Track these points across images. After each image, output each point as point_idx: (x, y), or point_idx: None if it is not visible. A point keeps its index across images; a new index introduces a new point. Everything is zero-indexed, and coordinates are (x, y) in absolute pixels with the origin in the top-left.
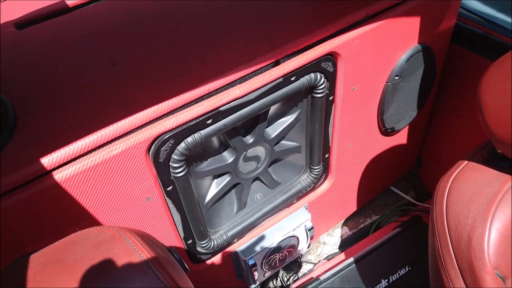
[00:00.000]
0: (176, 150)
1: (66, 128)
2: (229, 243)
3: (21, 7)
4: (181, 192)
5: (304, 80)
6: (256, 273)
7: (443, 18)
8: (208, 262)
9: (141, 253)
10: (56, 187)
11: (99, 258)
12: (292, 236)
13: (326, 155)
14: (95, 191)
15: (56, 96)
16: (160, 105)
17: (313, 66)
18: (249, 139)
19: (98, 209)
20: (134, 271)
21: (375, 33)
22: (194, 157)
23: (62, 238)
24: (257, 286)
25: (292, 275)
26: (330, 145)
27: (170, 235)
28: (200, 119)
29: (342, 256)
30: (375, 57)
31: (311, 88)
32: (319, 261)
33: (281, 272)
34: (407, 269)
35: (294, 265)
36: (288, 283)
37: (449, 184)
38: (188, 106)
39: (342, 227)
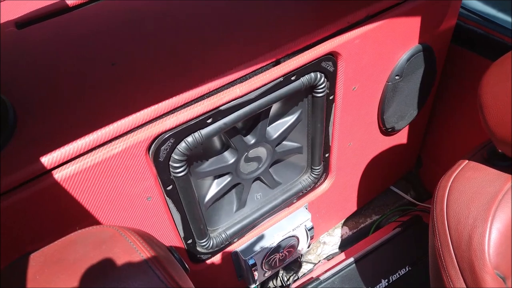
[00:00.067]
0: (176, 150)
1: (66, 127)
2: (229, 242)
3: (21, 7)
4: (181, 191)
5: (304, 79)
6: (256, 273)
7: (443, 18)
8: (208, 261)
9: (141, 253)
10: (56, 187)
11: (100, 257)
12: (292, 236)
13: (326, 155)
14: (95, 190)
15: (56, 96)
16: (160, 104)
17: (313, 66)
18: (251, 139)
19: (98, 208)
20: (134, 270)
21: (375, 33)
22: (195, 157)
23: (62, 237)
24: (257, 286)
25: (292, 275)
26: (330, 144)
27: (170, 234)
28: (200, 118)
29: (342, 256)
30: (375, 56)
31: (311, 87)
32: (319, 261)
33: (281, 272)
34: (407, 269)
35: (294, 265)
36: (288, 283)
37: (449, 184)
38: (188, 106)
39: (342, 227)
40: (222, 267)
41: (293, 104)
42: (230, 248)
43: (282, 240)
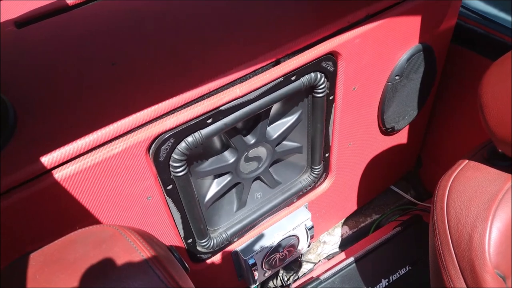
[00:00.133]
0: (176, 150)
1: (66, 127)
2: (229, 242)
3: (20, 6)
4: (181, 191)
5: (304, 79)
6: (256, 273)
7: (443, 18)
8: (208, 261)
9: (142, 252)
10: (56, 186)
11: (100, 257)
12: (292, 236)
13: (326, 155)
14: (95, 190)
15: (56, 95)
16: (160, 104)
17: (313, 66)
18: (251, 139)
19: (98, 208)
20: (134, 270)
21: (375, 32)
22: (195, 156)
23: (62, 237)
24: (257, 285)
25: (292, 275)
26: (330, 144)
27: (170, 234)
28: (201, 118)
29: (342, 255)
30: (375, 56)
31: (312, 87)
32: (319, 261)
33: (281, 271)
34: (407, 268)
35: (294, 264)
36: (288, 282)
37: (449, 183)
38: (188, 106)
39: (342, 226)
40: (222, 267)
41: (293, 104)
42: (230, 248)
43: (282, 240)
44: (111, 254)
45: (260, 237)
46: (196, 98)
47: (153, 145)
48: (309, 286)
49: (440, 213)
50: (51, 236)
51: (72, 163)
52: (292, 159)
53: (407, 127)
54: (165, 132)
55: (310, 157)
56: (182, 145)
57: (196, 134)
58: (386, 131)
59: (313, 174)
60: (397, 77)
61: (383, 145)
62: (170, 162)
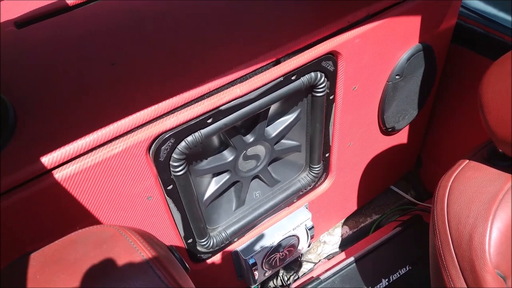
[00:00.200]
0: (176, 149)
1: (66, 127)
2: (229, 241)
3: (21, 6)
4: (181, 191)
5: (304, 79)
6: (256, 273)
7: (444, 17)
8: (209, 261)
9: (142, 252)
10: (57, 186)
11: (100, 257)
12: (293, 235)
13: (327, 155)
14: (96, 190)
15: (56, 95)
16: (160, 104)
17: (313, 65)
18: (249, 138)
19: (98, 208)
20: (135, 270)
21: (375, 32)
22: (194, 155)
23: (62, 237)
24: (257, 285)
25: (292, 275)
26: (330, 144)
27: (171, 234)
28: (201, 118)
29: (342, 255)
30: (375, 56)
31: (311, 87)
32: (320, 261)
33: (281, 271)
34: (407, 268)
35: (295, 264)
36: (289, 282)
37: (450, 184)
38: (188, 106)
39: (342, 226)
40: (222, 267)
41: (292, 103)
42: (230, 248)
43: (282, 240)
44: (112, 254)
45: (260, 237)
46: (196, 98)
47: (153, 145)
48: (309, 286)
49: (440, 213)
50: (51, 236)
51: (72, 163)
52: (291, 157)
53: (407, 127)
54: (165, 132)
55: (309, 156)
56: (182, 144)
57: (196, 134)
58: (386, 131)
59: (312, 173)
60: (397, 77)
61: (383, 145)
62: (170, 162)
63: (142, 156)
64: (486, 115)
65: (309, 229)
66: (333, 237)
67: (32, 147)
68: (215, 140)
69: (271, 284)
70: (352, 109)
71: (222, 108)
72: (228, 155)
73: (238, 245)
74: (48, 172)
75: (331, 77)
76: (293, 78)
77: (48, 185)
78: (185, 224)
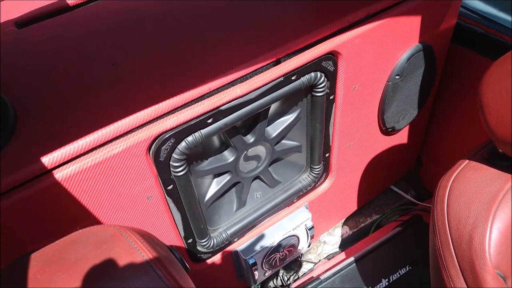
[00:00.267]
0: (176, 149)
1: (66, 127)
2: (229, 242)
3: (21, 6)
4: (181, 191)
5: (304, 79)
6: (256, 273)
7: (444, 17)
8: (209, 261)
9: (142, 252)
10: (57, 186)
11: (100, 257)
12: (293, 235)
13: (327, 155)
14: (96, 190)
15: (56, 95)
16: (160, 104)
17: (313, 65)
18: (250, 138)
19: (98, 208)
20: (135, 270)
21: (375, 32)
22: (194, 156)
23: (62, 237)
24: (257, 285)
25: (292, 275)
26: (330, 144)
27: (171, 234)
28: (201, 118)
29: (342, 255)
30: (375, 56)
31: (311, 87)
32: (320, 261)
33: (281, 271)
34: (407, 268)
35: (295, 264)
36: (289, 282)
37: (450, 184)
38: (188, 106)
39: (342, 226)
40: (222, 267)
41: (292, 103)
42: (230, 248)
43: (282, 240)
44: (112, 254)
45: (261, 237)
46: (197, 98)
47: (153, 145)
48: (309, 286)
49: (440, 213)
50: (51, 236)
51: (72, 163)
52: (291, 158)
53: (407, 127)
54: (166, 132)
55: (310, 156)
56: (183, 144)
57: (197, 134)
58: (387, 131)
59: (312, 174)
60: (397, 77)
61: (383, 145)
62: (171, 162)
63: (142, 156)
64: (486, 115)
65: (309, 229)
66: (333, 237)
67: (32, 147)
68: (216, 140)
69: (271, 284)
70: (352, 109)
71: (222, 108)
72: (228, 156)
73: (238, 245)
74: (48, 172)
75: (331, 77)
76: (293, 78)
77: (48, 185)
78: (185, 224)
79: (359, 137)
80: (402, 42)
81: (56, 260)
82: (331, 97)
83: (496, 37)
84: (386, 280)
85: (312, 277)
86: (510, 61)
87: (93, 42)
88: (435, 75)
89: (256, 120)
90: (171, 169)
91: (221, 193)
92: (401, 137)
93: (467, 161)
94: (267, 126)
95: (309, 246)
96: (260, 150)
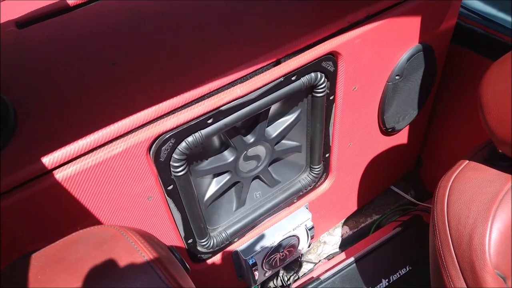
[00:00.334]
0: (177, 150)
1: (66, 127)
2: (229, 241)
3: (22, 6)
4: (181, 191)
5: (304, 79)
6: (256, 273)
7: (443, 18)
8: (209, 261)
9: (143, 253)
10: (57, 187)
11: (101, 257)
12: (293, 236)
13: (327, 155)
14: (96, 190)
15: (57, 95)
16: (160, 104)
17: (313, 66)
18: (250, 138)
19: (99, 209)
20: (135, 270)
21: (375, 32)
22: (194, 156)
23: (63, 237)
24: (257, 285)
25: (292, 275)
26: (330, 144)
27: (171, 234)
28: (201, 118)
29: (342, 255)
30: (375, 56)
31: (312, 87)
32: (320, 261)
33: (281, 271)
34: (407, 268)
35: (295, 264)
36: (289, 282)
37: (450, 184)
38: (189, 106)
39: (342, 226)
40: (222, 267)
41: (292, 103)
42: (230, 248)
43: (282, 240)
44: (112, 254)
45: (261, 237)
46: (197, 98)
47: (153, 145)
48: (310, 286)
49: (440, 213)
50: (52, 237)
51: (72, 164)
52: (291, 158)
53: (407, 127)
54: (166, 132)
55: (309, 156)
56: (183, 145)
57: (197, 134)
58: (387, 131)
59: (312, 174)
60: (397, 77)
61: (383, 145)
62: (171, 162)
63: (142, 157)
64: (486, 115)
65: (309, 229)
66: (333, 237)
67: (32, 147)
68: (216, 140)
69: (271, 284)
70: (352, 110)
71: (222, 108)
72: (228, 156)
73: (238, 245)
74: (48, 172)
75: (331, 77)
76: (293, 78)
77: (48, 185)
78: (185, 224)
79: (359, 138)
80: (402, 42)
81: (57, 260)
82: (331, 98)
83: (496, 37)
84: (386, 280)
85: (312, 277)
86: (510, 61)
87: (93, 42)
88: (435, 75)
89: (256, 121)
90: (171, 169)
91: (221, 193)
92: (401, 137)
93: (467, 161)
94: (267, 127)
95: (309, 246)
96: (260, 150)
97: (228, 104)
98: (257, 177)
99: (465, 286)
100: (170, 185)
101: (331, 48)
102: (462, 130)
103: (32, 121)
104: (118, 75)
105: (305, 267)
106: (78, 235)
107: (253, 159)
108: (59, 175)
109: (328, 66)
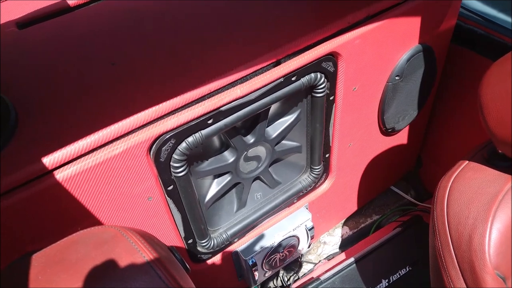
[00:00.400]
0: (177, 150)
1: (67, 128)
2: (229, 242)
3: (22, 7)
4: (181, 191)
5: (304, 80)
6: (256, 273)
7: (443, 18)
8: (209, 262)
9: (143, 253)
10: (57, 187)
11: (101, 257)
12: (293, 236)
13: (327, 155)
14: (96, 190)
15: (57, 96)
16: (161, 105)
17: (313, 66)
18: (250, 139)
19: (99, 209)
20: (136, 271)
21: (375, 33)
22: (195, 156)
23: (63, 238)
24: (257, 286)
25: (292, 275)
26: (330, 145)
27: (171, 234)
28: (201, 119)
29: (342, 256)
30: (375, 57)
31: (311, 87)
32: (320, 261)
33: (281, 272)
34: (407, 269)
35: (295, 265)
36: (289, 283)
37: (449, 184)
38: (189, 106)
39: (342, 227)
40: (222, 267)
41: (292, 104)
42: (230, 248)
43: (282, 240)
44: (113, 255)
45: (261, 237)
46: (197, 99)
47: (154, 146)
48: (310, 287)
49: (440, 214)
50: (52, 237)
51: (73, 164)
52: (291, 159)
53: (407, 127)
54: (166, 132)
55: (310, 157)
56: (183, 145)
57: (197, 135)
58: (387, 131)
59: (313, 174)
60: (397, 78)
61: (383, 145)
62: (171, 163)
63: (143, 157)
64: (486, 115)
65: (309, 230)
66: (333, 238)
67: (33, 147)
68: (216, 141)
69: (271, 284)
70: (352, 110)
71: (222, 108)
72: (229, 156)
73: (238, 246)
74: (49, 172)
75: (331, 78)
76: (293, 79)
77: (49, 186)
78: (185, 225)
79: (359, 138)
80: (402, 42)
81: (57, 260)
82: (331, 98)
83: (495, 38)
84: (386, 280)
85: (312, 277)
86: (510, 62)
87: (93, 42)
88: (435, 75)
89: (256, 121)
90: (172, 169)
91: (222, 194)
92: (401, 138)
93: (467, 161)
94: (267, 127)
95: (309, 247)
96: (260, 150)
97: (228, 105)
98: (257, 178)
99: (465, 287)
100: (170, 186)
101: (331, 49)
102: (462, 130)
103: (32, 121)
104: (118, 75)
105: (305, 268)
106: (79, 235)
107: (254, 159)
108: (59, 175)
109: (328, 67)
